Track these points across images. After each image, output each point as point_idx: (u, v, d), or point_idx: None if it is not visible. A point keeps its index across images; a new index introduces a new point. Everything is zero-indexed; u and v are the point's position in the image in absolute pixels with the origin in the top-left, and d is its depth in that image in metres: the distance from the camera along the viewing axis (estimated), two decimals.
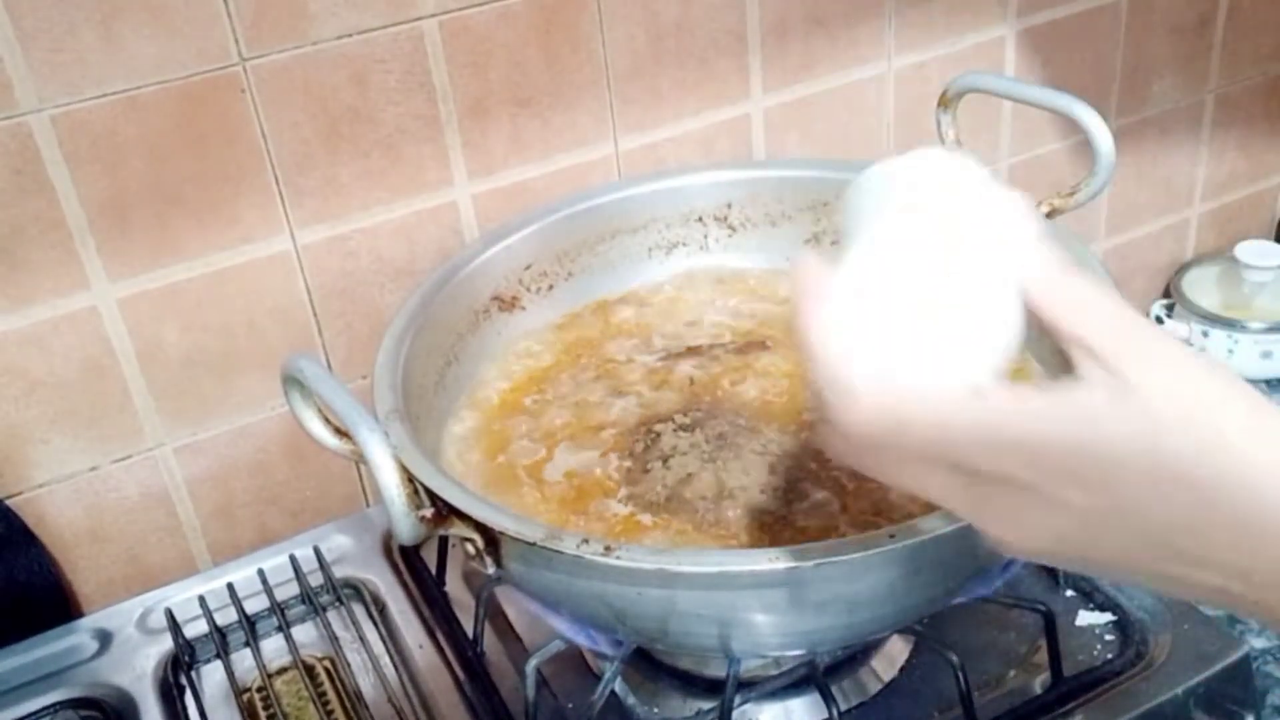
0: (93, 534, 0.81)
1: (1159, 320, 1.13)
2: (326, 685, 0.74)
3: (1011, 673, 0.69)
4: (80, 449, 0.78)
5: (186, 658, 0.76)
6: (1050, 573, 0.75)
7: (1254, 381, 1.07)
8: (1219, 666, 0.67)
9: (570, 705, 0.69)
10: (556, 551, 0.51)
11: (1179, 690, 0.66)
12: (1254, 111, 1.17)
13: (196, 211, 0.75)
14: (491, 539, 0.55)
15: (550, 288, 0.80)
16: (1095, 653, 0.70)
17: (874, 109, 0.96)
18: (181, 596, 0.80)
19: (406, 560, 0.82)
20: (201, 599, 0.78)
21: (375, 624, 0.77)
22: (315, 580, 0.80)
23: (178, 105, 0.72)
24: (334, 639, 0.76)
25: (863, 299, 0.43)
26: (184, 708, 0.73)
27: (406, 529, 0.51)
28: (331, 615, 0.78)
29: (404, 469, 0.51)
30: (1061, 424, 0.39)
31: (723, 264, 0.83)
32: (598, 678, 0.64)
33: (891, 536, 0.50)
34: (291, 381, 0.58)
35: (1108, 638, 0.71)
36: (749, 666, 0.65)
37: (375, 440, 0.50)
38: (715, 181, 0.83)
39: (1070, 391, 0.40)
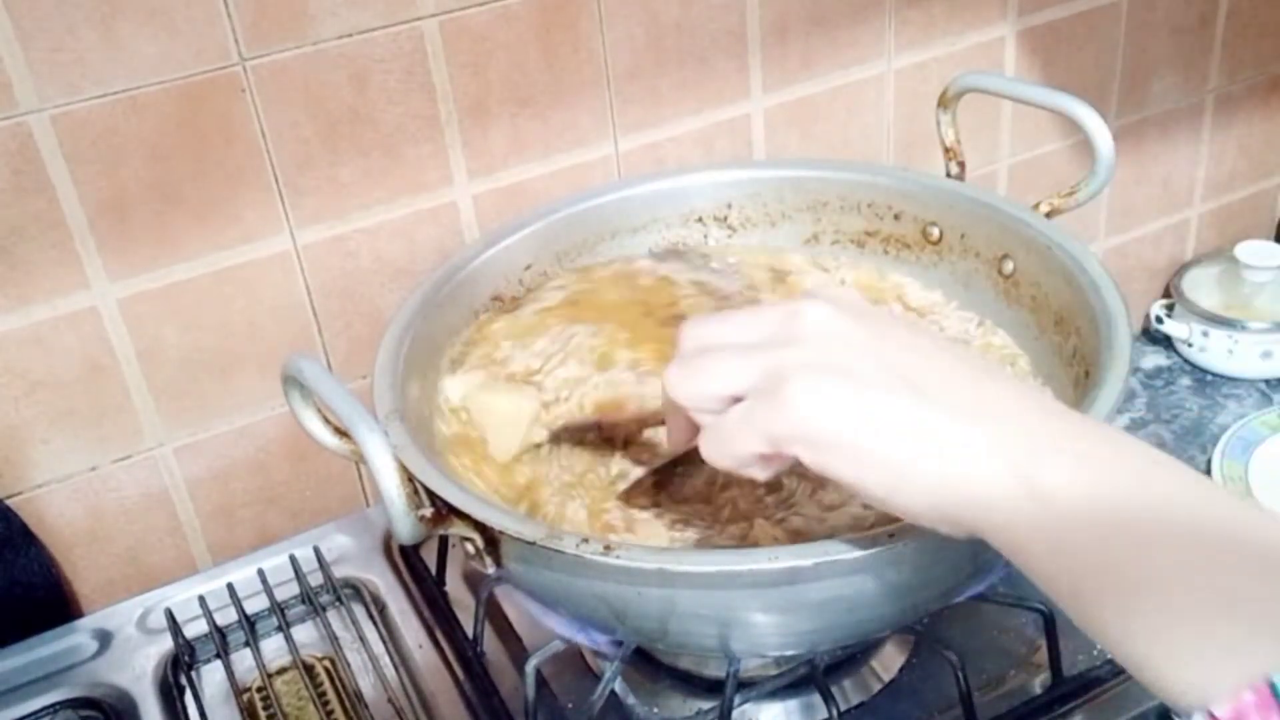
0: (92, 534, 0.81)
1: (1159, 320, 1.13)
2: (326, 685, 0.74)
3: (1011, 673, 0.69)
4: (80, 449, 0.78)
5: (186, 658, 0.76)
6: None
7: (1254, 381, 1.08)
8: None
9: (570, 705, 0.69)
10: (556, 551, 0.51)
11: None
12: (1254, 111, 1.17)
13: (196, 211, 0.75)
14: (491, 538, 0.55)
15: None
16: (1095, 653, 0.70)
17: (874, 109, 0.96)
18: (181, 596, 0.80)
19: (406, 560, 0.82)
20: (201, 599, 0.79)
21: (375, 624, 0.77)
22: (315, 580, 0.80)
23: (178, 105, 0.72)
24: (334, 639, 0.76)
25: None
26: (184, 708, 0.73)
27: (406, 529, 0.52)
28: (331, 615, 0.78)
29: (404, 469, 0.51)
30: None
31: None
32: (598, 678, 0.64)
33: (891, 536, 0.50)
34: (291, 381, 0.58)
35: None
36: (749, 666, 0.65)
37: (375, 440, 0.50)
38: (715, 181, 0.82)
39: None
